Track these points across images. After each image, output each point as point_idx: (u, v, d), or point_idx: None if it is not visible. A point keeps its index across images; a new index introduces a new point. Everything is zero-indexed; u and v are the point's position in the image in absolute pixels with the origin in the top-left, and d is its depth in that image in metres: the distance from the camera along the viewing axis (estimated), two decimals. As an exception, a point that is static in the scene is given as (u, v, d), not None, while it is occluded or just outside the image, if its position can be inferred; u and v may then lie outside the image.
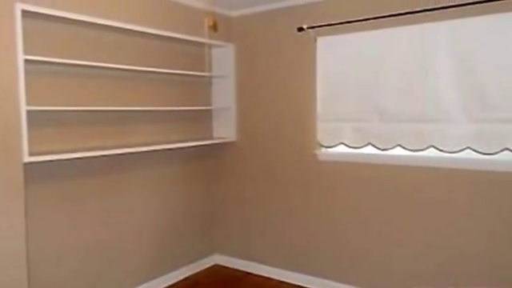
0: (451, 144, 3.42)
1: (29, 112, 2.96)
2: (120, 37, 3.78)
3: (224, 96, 4.80)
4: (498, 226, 3.31)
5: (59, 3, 3.22)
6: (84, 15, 3.30)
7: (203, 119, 4.80)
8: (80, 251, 3.60)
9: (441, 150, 3.48)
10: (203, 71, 4.61)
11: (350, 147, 3.98)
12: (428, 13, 3.44)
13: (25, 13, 2.91)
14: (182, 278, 4.56)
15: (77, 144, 3.49)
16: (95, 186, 3.68)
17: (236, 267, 4.88)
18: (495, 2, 3.12)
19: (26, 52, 2.91)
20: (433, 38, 3.46)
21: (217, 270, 4.89)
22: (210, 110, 4.87)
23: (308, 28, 4.10)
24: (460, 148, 3.38)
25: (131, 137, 3.94)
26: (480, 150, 3.29)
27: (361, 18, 3.79)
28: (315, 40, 4.11)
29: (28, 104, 2.94)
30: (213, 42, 4.45)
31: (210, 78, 4.79)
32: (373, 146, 3.84)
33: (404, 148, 3.66)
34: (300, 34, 4.18)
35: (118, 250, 3.92)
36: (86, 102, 3.53)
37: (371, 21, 3.74)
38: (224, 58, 4.76)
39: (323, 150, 4.23)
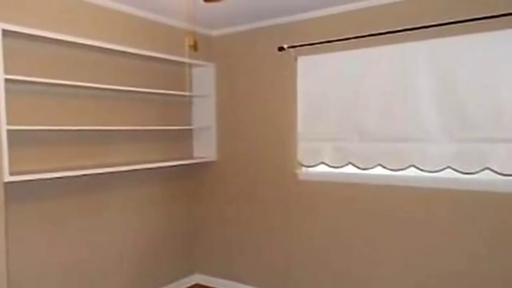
0: (432, 163, 3.45)
1: (9, 131, 2.93)
2: (100, 56, 3.75)
3: (204, 115, 4.79)
4: (479, 246, 3.34)
5: (40, 23, 3.21)
6: (65, 35, 3.30)
7: (184, 139, 4.77)
8: (60, 271, 3.55)
9: (421, 170, 3.50)
10: (184, 91, 4.60)
11: (331, 167, 3.99)
12: (408, 32, 3.49)
13: (5, 32, 2.89)
14: (162, 298, 4.52)
15: (57, 163, 3.45)
16: (76, 206, 3.64)
17: (217, 286, 4.83)
18: (475, 21, 3.18)
19: (6, 71, 2.88)
20: (413, 58, 3.51)
21: (197, 290, 4.85)
22: (190, 130, 4.84)
23: (288, 47, 4.14)
24: (440, 167, 3.41)
25: (112, 156, 3.90)
26: (460, 170, 3.32)
27: (341, 38, 3.84)
28: (296, 59, 4.15)
29: (8, 123, 2.92)
30: (193, 61, 4.46)
31: (191, 97, 4.78)
32: (353, 165, 3.85)
33: (384, 167, 3.69)
34: (280, 53, 4.22)
35: (99, 269, 3.86)
36: (66, 121, 3.49)
37: (351, 40, 3.79)
38: (204, 78, 4.76)
39: (303, 169, 4.24)
